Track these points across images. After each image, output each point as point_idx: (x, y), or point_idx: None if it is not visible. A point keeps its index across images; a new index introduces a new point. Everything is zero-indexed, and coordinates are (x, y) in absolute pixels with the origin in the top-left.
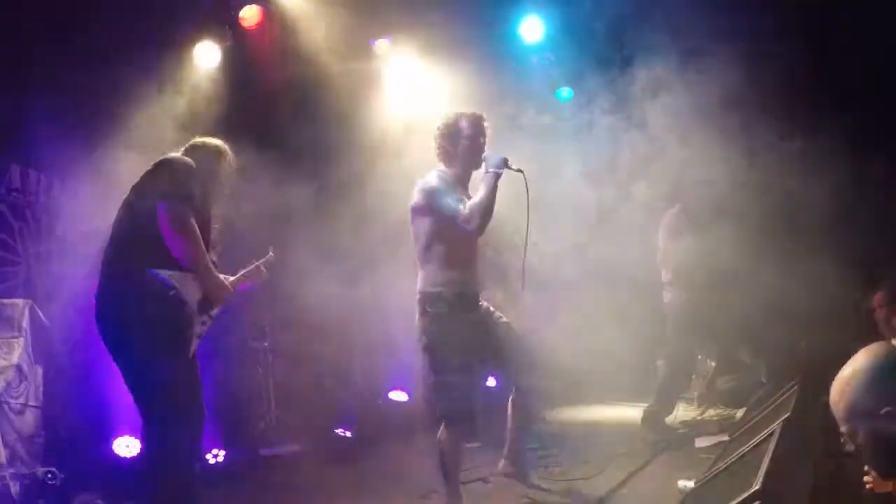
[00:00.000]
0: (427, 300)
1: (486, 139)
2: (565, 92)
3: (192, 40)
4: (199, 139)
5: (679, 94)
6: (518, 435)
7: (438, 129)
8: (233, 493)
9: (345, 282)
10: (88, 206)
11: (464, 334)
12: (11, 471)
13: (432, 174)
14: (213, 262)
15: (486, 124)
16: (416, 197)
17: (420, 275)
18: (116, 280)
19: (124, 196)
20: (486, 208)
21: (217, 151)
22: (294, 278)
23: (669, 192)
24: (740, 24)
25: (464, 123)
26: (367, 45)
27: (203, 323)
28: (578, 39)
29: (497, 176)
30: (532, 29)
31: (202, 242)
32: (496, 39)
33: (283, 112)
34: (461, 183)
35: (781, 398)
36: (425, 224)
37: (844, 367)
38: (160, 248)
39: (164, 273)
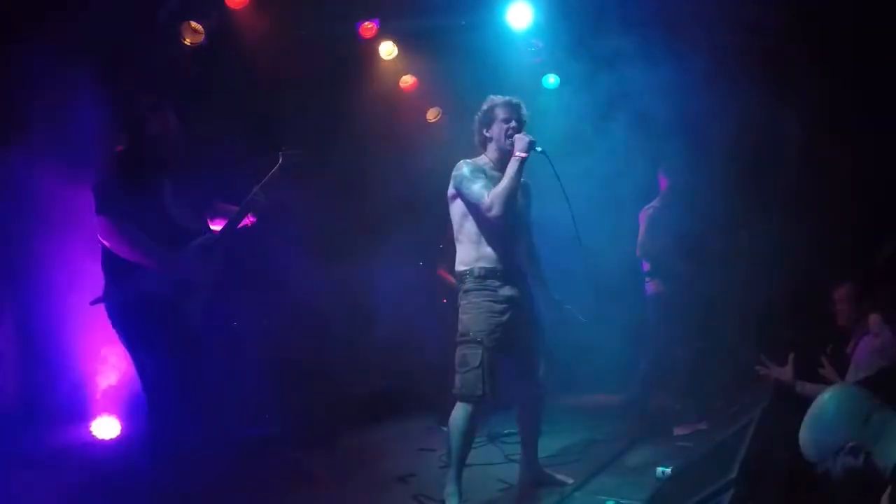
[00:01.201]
0: (458, 277)
1: (521, 125)
2: (552, 79)
3: (178, 19)
4: (127, 107)
5: (666, 74)
6: (531, 444)
7: (476, 117)
8: (214, 475)
9: (329, 266)
10: (70, 186)
11: (487, 309)
12: None
13: (462, 162)
14: (186, 227)
15: (523, 111)
16: (450, 186)
17: (456, 256)
18: (104, 292)
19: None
20: (508, 195)
21: (137, 121)
22: (279, 262)
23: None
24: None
25: (498, 110)
26: (353, 27)
27: (196, 297)
28: (566, 25)
29: (522, 160)
30: (520, 15)
31: (140, 243)
32: (483, 24)
33: (269, 95)
34: (498, 168)
35: (760, 388)
36: (458, 207)
37: (809, 410)
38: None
39: (120, 292)
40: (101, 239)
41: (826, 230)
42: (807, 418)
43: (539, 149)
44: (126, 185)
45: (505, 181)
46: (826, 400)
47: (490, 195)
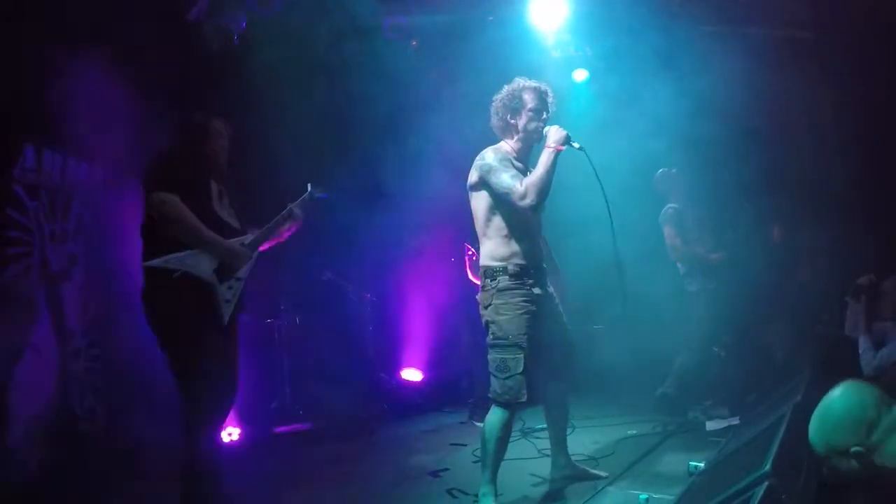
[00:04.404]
0: (489, 274)
1: (550, 115)
2: (581, 74)
3: (208, 16)
4: (187, 118)
5: (696, 68)
6: (561, 440)
7: (499, 100)
8: (247, 471)
9: (360, 262)
10: (104, 185)
11: (526, 310)
12: (27, 449)
13: (488, 151)
14: (231, 225)
15: (550, 99)
16: (471, 174)
17: (482, 250)
18: (143, 279)
19: (138, 175)
20: (543, 185)
21: (201, 127)
22: (310, 258)
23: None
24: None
25: (527, 96)
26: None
27: (230, 287)
28: (593, 21)
29: (556, 152)
30: (544, 13)
31: (192, 219)
32: (511, 19)
33: (297, 93)
34: (521, 158)
35: (792, 382)
36: (482, 199)
37: (819, 404)
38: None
39: (160, 259)
40: (153, 214)
41: (862, 224)
42: (815, 413)
43: (576, 145)
44: (180, 173)
45: (540, 170)
46: (834, 398)
47: (525, 183)
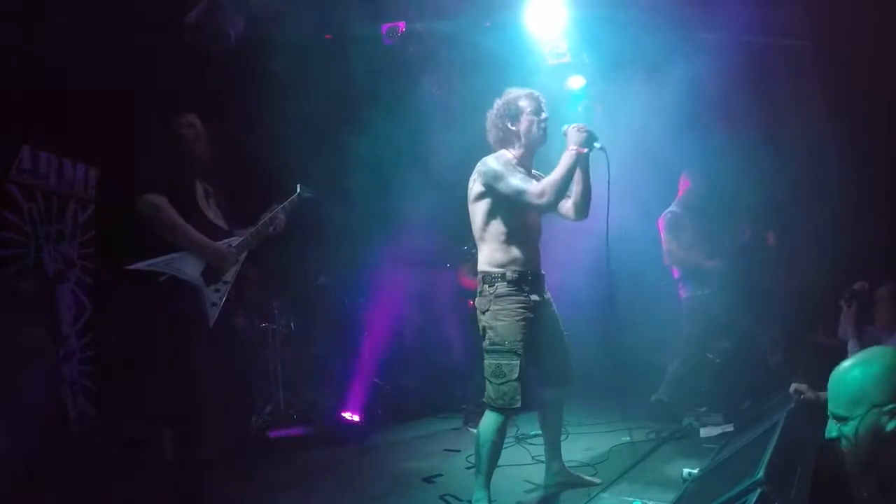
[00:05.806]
0: (487, 280)
1: (547, 116)
2: (577, 81)
3: (204, 22)
4: (168, 119)
5: (693, 73)
6: (556, 446)
7: (495, 112)
8: (240, 476)
9: (354, 266)
10: (98, 187)
11: (523, 317)
12: (19, 451)
13: (489, 158)
14: (219, 226)
15: (544, 102)
16: (476, 180)
17: (480, 255)
18: (131, 282)
19: (132, 177)
20: (561, 185)
21: (182, 126)
22: (303, 262)
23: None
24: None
25: (523, 102)
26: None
27: (217, 290)
28: (591, 27)
29: (578, 154)
30: (546, 19)
31: (179, 221)
32: (506, 28)
33: (291, 95)
34: (523, 164)
35: (786, 390)
36: (484, 205)
37: (859, 355)
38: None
39: (146, 262)
40: (139, 216)
41: (858, 232)
42: (853, 363)
43: (598, 145)
44: (165, 174)
45: (560, 170)
46: (879, 354)
47: (543, 183)
